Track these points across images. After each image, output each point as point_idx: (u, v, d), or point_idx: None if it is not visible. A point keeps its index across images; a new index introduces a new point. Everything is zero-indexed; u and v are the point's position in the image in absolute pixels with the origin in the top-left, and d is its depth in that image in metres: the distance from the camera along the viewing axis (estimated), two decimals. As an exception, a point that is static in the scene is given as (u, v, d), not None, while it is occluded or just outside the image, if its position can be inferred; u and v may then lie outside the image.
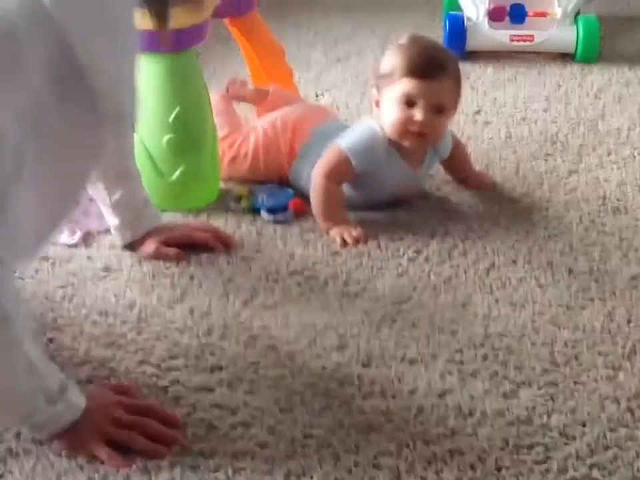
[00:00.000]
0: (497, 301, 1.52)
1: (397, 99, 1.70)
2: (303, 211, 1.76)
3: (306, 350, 1.39)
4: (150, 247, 1.61)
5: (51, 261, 1.60)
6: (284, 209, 1.75)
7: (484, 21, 2.53)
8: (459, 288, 1.56)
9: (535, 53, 2.55)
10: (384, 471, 1.17)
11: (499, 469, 1.18)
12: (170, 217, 1.72)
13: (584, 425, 1.25)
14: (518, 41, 2.52)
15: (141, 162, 1.67)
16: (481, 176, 1.91)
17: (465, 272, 1.60)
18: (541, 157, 2.01)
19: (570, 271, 1.60)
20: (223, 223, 1.74)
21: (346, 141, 1.74)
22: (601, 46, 2.53)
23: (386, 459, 1.19)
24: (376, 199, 1.77)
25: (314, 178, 1.73)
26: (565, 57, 2.53)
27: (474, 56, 2.53)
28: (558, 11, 2.52)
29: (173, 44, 1.68)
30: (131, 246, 1.62)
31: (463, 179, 1.89)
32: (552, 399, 1.30)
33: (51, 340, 1.39)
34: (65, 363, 1.33)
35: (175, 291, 1.53)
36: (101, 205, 1.60)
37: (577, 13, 2.58)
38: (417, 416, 1.26)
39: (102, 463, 1.17)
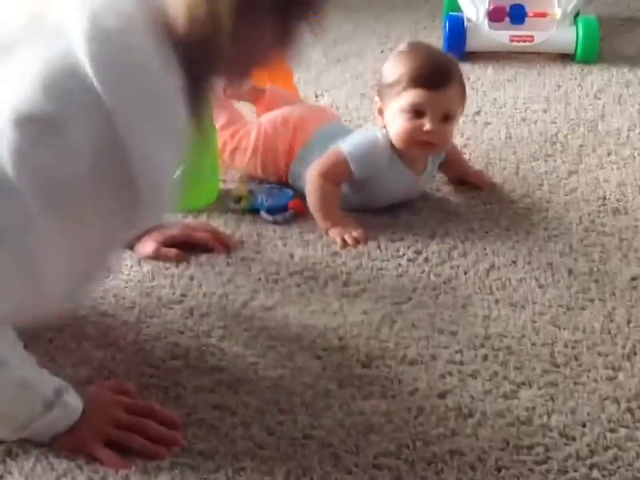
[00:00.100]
0: (496, 301, 1.52)
1: (405, 108, 1.70)
2: (302, 212, 1.75)
3: (306, 351, 1.39)
4: (149, 247, 1.61)
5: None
6: (284, 209, 1.75)
7: (484, 22, 2.53)
8: (459, 289, 1.56)
9: (534, 53, 2.55)
10: (384, 472, 1.17)
11: (499, 470, 1.18)
12: (170, 218, 1.72)
13: (584, 426, 1.25)
14: (518, 41, 2.52)
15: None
16: (480, 174, 1.91)
17: (465, 273, 1.60)
18: (540, 157, 2.01)
19: (570, 272, 1.60)
20: (223, 224, 1.74)
21: (347, 145, 1.74)
22: (601, 46, 2.53)
23: (386, 459, 1.19)
24: (378, 204, 1.77)
25: (309, 177, 1.73)
26: (564, 57, 2.54)
27: (474, 56, 2.53)
28: (558, 12, 2.52)
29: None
30: (131, 246, 1.62)
31: (462, 177, 1.89)
32: (552, 399, 1.30)
33: (50, 340, 1.39)
34: (65, 364, 1.33)
35: (174, 291, 1.53)
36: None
37: (577, 14, 2.58)
38: (417, 417, 1.26)
39: (102, 463, 1.17)
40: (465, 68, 2.42)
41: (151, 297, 1.51)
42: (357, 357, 1.38)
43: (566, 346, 1.41)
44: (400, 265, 1.62)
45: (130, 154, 1.04)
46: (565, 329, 1.45)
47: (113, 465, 1.17)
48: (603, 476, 1.18)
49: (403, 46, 1.81)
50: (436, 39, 2.65)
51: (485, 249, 1.67)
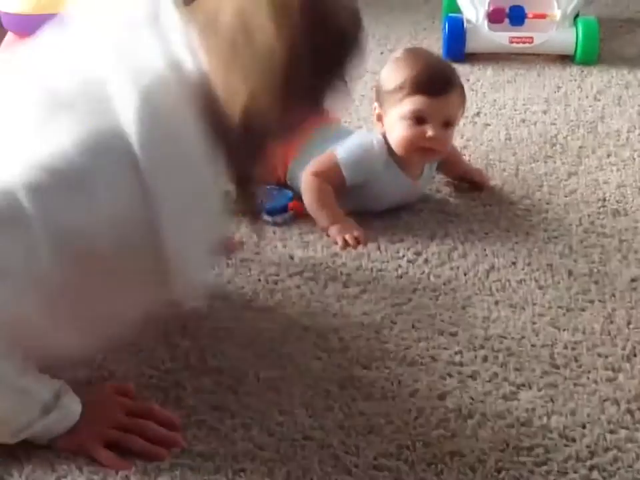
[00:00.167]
0: (496, 302, 1.52)
1: (406, 116, 1.70)
2: (302, 213, 1.75)
3: (306, 352, 1.39)
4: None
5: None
6: (283, 210, 1.75)
7: (483, 23, 2.53)
8: (459, 290, 1.56)
9: (534, 54, 2.55)
10: (384, 473, 1.17)
11: (498, 471, 1.18)
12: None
13: (584, 427, 1.25)
14: (517, 42, 2.52)
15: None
16: (480, 173, 1.91)
17: (465, 274, 1.60)
18: (540, 159, 2.01)
19: (570, 273, 1.60)
20: (223, 225, 1.74)
21: (341, 150, 1.74)
22: (601, 48, 2.53)
23: (386, 460, 1.19)
24: (375, 208, 1.77)
25: (304, 177, 1.74)
26: (564, 58, 2.54)
27: (473, 58, 2.53)
28: (557, 13, 2.52)
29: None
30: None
31: (462, 176, 1.89)
32: (552, 400, 1.30)
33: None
34: (65, 365, 1.33)
35: (174, 292, 1.53)
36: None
37: (577, 15, 2.58)
38: (417, 418, 1.26)
39: (101, 464, 1.17)
40: (465, 69, 2.44)
41: (151, 298, 1.51)
42: (357, 358, 1.38)
43: (566, 347, 1.41)
44: (400, 266, 1.62)
45: (160, 228, 1.06)
46: (564, 330, 1.45)
47: (112, 465, 1.17)
48: (603, 477, 1.18)
49: (399, 52, 1.81)
50: (435, 40, 2.66)
51: (485, 250, 1.67)
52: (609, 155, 2.02)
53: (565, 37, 2.52)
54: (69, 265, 1.05)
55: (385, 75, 1.77)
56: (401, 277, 1.59)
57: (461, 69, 2.41)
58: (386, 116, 1.74)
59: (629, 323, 1.47)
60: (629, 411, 1.28)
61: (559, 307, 1.51)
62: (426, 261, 1.64)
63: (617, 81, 2.42)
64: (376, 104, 1.77)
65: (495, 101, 2.30)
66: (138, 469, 1.17)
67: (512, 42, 2.52)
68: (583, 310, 1.50)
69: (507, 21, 2.54)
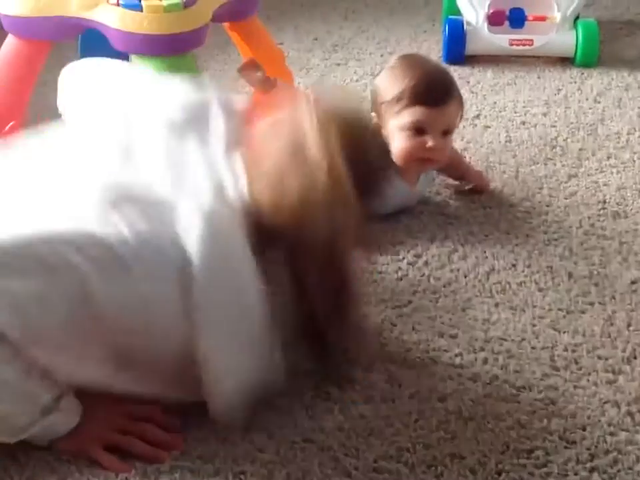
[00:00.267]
0: (496, 305, 1.52)
1: (405, 127, 1.69)
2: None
3: (306, 353, 1.39)
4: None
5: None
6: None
7: (483, 25, 2.53)
8: (459, 292, 1.56)
9: (534, 57, 2.55)
10: (384, 475, 1.17)
11: (499, 473, 1.18)
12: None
13: (584, 429, 1.25)
14: (517, 45, 2.52)
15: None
16: (480, 176, 1.91)
17: (465, 276, 1.60)
18: (540, 161, 2.01)
19: (570, 275, 1.60)
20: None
21: None
22: (601, 50, 2.53)
23: (386, 463, 1.19)
24: (375, 215, 1.76)
25: None
26: (564, 61, 2.53)
27: (473, 60, 2.53)
28: (557, 15, 2.52)
29: (172, 47, 1.69)
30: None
31: (463, 175, 1.89)
32: (552, 403, 1.30)
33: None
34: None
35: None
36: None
37: (577, 17, 2.58)
38: (417, 420, 1.26)
39: (102, 467, 1.17)
40: (465, 71, 2.44)
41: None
42: (358, 359, 1.37)
43: (566, 349, 1.41)
44: (400, 268, 1.62)
45: (200, 337, 1.13)
46: (564, 332, 1.45)
47: (113, 468, 1.17)
48: (603, 479, 1.18)
49: (394, 60, 1.78)
50: (435, 42, 2.66)
51: (485, 252, 1.67)
52: (609, 157, 2.02)
53: (565, 40, 2.52)
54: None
55: (382, 85, 1.74)
56: (401, 279, 1.59)
57: (461, 71, 2.43)
58: (384, 127, 1.72)
59: (629, 325, 1.47)
60: (629, 414, 1.28)
61: (559, 309, 1.51)
62: (426, 263, 1.64)
63: (617, 84, 2.42)
64: (373, 114, 1.76)
65: (495, 103, 2.30)
66: (138, 472, 1.17)
67: (512, 44, 2.52)
68: (583, 312, 1.50)
69: (507, 23, 2.54)
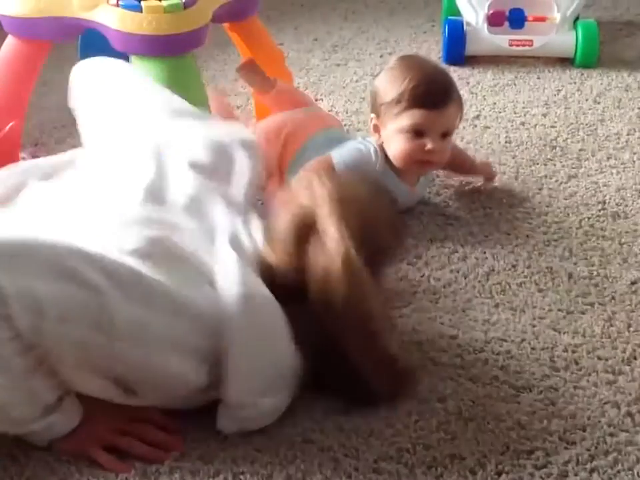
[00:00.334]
0: (496, 305, 1.52)
1: (405, 129, 1.68)
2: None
3: (306, 354, 1.39)
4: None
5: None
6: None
7: (483, 26, 2.53)
8: (459, 293, 1.55)
9: (534, 57, 2.55)
10: (384, 476, 1.17)
11: (499, 474, 1.18)
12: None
13: (584, 430, 1.25)
14: (517, 45, 2.52)
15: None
16: (487, 166, 1.91)
17: (465, 277, 1.60)
18: (540, 161, 2.01)
19: (570, 276, 1.60)
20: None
21: (337, 154, 1.72)
22: (600, 51, 2.53)
23: (386, 463, 1.19)
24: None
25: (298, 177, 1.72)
26: (564, 61, 2.54)
27: (473, 60, 2.53)
28: (557, 16, 2.52)
29: (171, 47, 1.68)
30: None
31: (469, 170, 1.89)
32: (552, 403, 1.30)
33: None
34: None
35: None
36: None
37: (576, 18, 2.58)
38: (417, 421, 1.26)
39: (101, 467, 1.17)
40: (465, 72, 2.44)
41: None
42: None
43: (566, 350, 1.41)
44: (400, 268, 1.62)
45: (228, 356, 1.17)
46: (564, 333, 1.45)
47: (112, 468, 1.17)
48: (603, 480, 1.18)
49: (393, 61, 1.77)
50: (435, 43, 2.66)
51: (485, 252, 1.67)
52: (608, 158, 2.02)
53: (565, 40, 2.52)
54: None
55: (381, 87, 1.74)
56: (401, 280, 1.59)
57: (461, 72, 2.43)
58: (384, 128, 1.72)
59: (629, 326, 1.47)
60: (629, 414, 1.28)
61: (559, 310, 1.51)
62: (426, 263, 1.64)
63: (616, 84, 2.42)
64: (372, 115, 1.75)
65: (494, 103, 2.30)
66: (137, 472, 1.17)
67: (512, 45, 2.52)
68: (583, 313, 1.50)
69: (506, 23, 2.54)
